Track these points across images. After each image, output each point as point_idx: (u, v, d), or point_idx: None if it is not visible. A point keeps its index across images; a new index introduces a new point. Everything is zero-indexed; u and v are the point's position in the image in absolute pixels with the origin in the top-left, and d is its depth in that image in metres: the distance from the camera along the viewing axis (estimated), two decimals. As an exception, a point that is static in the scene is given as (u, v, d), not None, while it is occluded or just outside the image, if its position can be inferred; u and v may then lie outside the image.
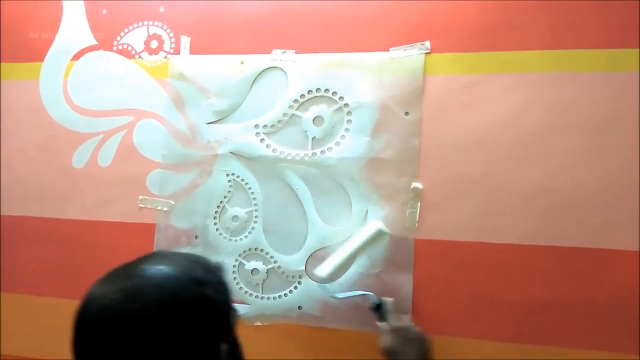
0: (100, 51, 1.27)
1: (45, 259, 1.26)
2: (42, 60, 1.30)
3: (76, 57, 1.28)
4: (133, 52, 1.24)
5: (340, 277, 1.08)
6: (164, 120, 1.21)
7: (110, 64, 1.26)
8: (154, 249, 1.18)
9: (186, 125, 1.19)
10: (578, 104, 1.00)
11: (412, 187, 1.07)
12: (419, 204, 1.06)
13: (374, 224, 1.07)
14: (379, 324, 0.98)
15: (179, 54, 1.21)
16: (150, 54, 1.23)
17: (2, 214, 1.30)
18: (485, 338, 1.01)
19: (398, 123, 1.09)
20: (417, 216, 1.06)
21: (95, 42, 1.27)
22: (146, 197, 1.20)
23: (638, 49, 0.97)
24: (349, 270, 1.08)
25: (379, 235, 1.06)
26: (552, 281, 0.99)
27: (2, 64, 1.32)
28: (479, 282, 1.02)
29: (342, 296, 1.06)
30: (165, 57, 1.22)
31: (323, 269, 1.05)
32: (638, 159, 0.97)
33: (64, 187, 1.26)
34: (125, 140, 1.23)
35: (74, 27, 1.29)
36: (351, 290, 1.06)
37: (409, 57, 1.09)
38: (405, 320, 1.00)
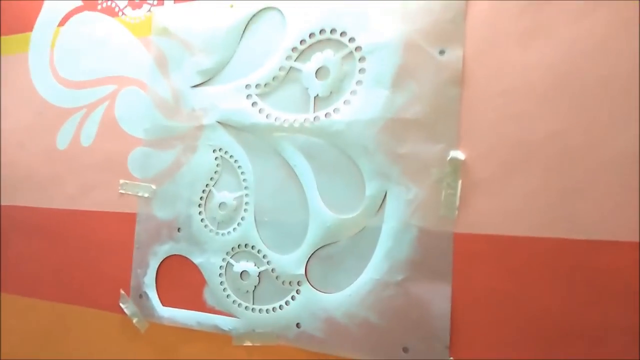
0: (85, 12, 1.29)
1: (28, 255, 1.31)
2: (31, 30, 1.38)
3: (62, 22, 1.32)
4: (117, 9, 1.24)
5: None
6: (147, 88, 1.16)
7: (94, 26, 1.26)
8: (135, 243, 1.16)
9: (170, 92, 1.13)
10: None
11: (449, 157, 0.86)
12: (459, 182, 0.86)
13: None
14: None
15: (163, 4, 1.18)
16: (133, 8, 1.21)
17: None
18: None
19: (430, 67, 0.89)
20: (458, 200, 0.86)
21: (81, 3, 1.30)
22: (127, 182, 1.17)
23: None
24: (361, 277, 0.93)
25: None
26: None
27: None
28: (545, 295, 0.78)
29: None
30: (149, 10, 1.20)
31: None
32: None
33: (49, 173, 1.29)
34: (107, 113, 1.21)
35: (60, -11, 1.34)
36: (361, 305, 0.92)
37: (445, -29, 0.90)
38: None
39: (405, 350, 0.87)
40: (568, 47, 0.80)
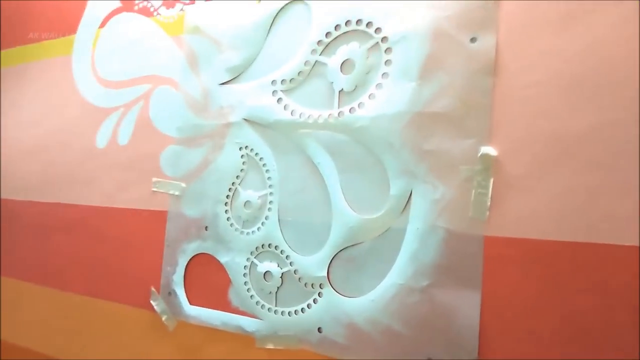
0: (123, 13, 1.34)
1: (68, 250, 1.37)
2: (75, 32, 1.45)
3: (102, 24, 1.38)
4: (152, 8, 1.27)
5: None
6: (179, 86, 1.18)
7: (131, 26, 1.30)
8: (165, 241, 1.18)
9: (199, 90, 1.14)
10: None
11: (480, 153, 0.80)
12: (491, 180, 0.80)
13: None
14: None
15: (194, 2, 1.19)
16: (167, 7, 1.24)
17: (39, 200, 1.48)
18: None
19: (460, 56, 0.83)
20: (489, 200, 0.80)
21: (120, 4, 1.35)
22: (159, 180, 1.20)
23: None
24: (385, 281, 0.88)
25: None
26: None
27: (39, 43, 1.52)
28: (583, 304, 0.71)
29: None
30: (182, 9, 1.22)
31: None
32: None
33: (88, 171, 1.34)
34: (142, 113, 1.25)
35: (102, -8, 1.40)
36: (384, 311, 0.87)
37: (478, -48, 0.84)
38: None
39: (430, 361, 0.82)
40: (608, 33, 0.72)
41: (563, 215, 0.74)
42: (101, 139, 1.33)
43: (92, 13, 1.39)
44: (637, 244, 0.68)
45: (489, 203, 0.79)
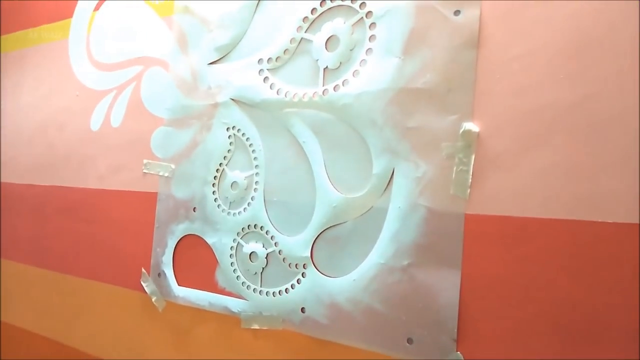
0: (116, -5, 1.36)
1: (64, 233, 1.40)
2: (71, 16, 1.47)
3: (97, 7, 1.40)
4: (144, -10, 1.29)
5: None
6: (169, 67, 1.19)
7: (124, 9, 1.31)
8: (155, 222, 1.19)
9: (189, 70, 1.15)
10: None
11: (462, 130, 0.79)
12: (473, 157, 0.79)
13: None
14: None
15: (184, -18, 1.21)
16: (159, -12, 1.26)
17: (38, 183, 1.51)
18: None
19: (444, 30, 0.82)
20: (470, 178, 0.79)
21: (114, -14, 1.37)
22: (150, 161, 1.21)
23: None
24: (366, 261, 0.88)
25: None
26: None
27: (37, 27, 1.55)
28: (564, 284, 0.70)
29: None
30: (172, -11, 1.23)
31: None
32: None
33: (84, 153, 1.37)
34: (134, 94, 1.27)
35: (96, -26, 1.41)
36: (365, 291, 0.87)
37: None
38: None
39: (409, 341, 0.81)
40: (593, 3, 0.70)
41: (547, 192, 0.72)
42: (95, 122, 1.35)
43: (87, -4, 1.41)
44: (627, 221, 0.67)
45: (470, 180, 0.78)
